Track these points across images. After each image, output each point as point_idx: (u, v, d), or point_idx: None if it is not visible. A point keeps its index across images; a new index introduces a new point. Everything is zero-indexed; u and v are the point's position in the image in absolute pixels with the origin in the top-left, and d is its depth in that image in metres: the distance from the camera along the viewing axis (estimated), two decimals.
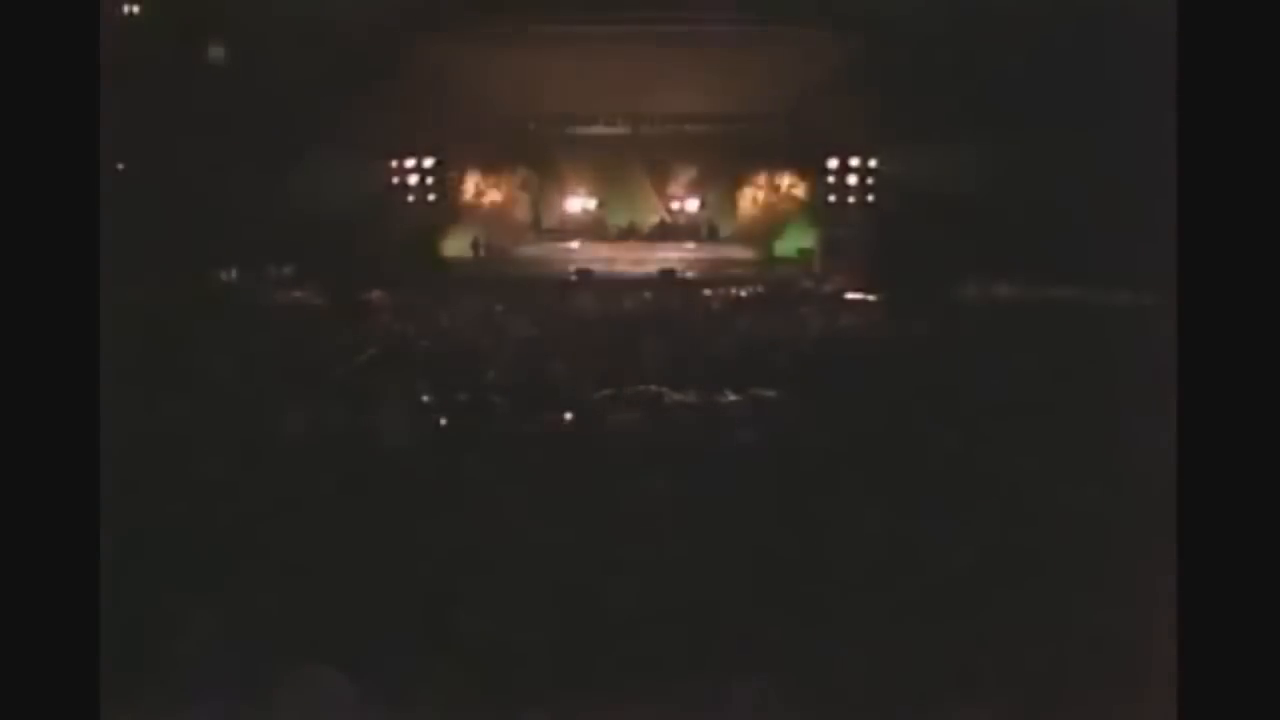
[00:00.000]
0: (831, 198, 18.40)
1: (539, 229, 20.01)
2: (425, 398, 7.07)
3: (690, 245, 18.88)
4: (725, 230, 19.67)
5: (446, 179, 19.01)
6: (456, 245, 18.90)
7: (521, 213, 20.05)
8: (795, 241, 18.22)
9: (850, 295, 14.75)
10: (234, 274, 15.84)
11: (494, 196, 19.98)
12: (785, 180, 19.48)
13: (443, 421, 6.50)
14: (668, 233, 19.63)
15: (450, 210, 18.97)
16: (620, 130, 19.56)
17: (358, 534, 4.14)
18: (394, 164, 18.44)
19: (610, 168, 21.07)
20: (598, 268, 17.68)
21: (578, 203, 20.96)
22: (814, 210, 18.80)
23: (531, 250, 19.15)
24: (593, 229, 19.80)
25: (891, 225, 16.78)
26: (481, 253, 18.64)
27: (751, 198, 19.88)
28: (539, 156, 20.71)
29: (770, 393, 6.92)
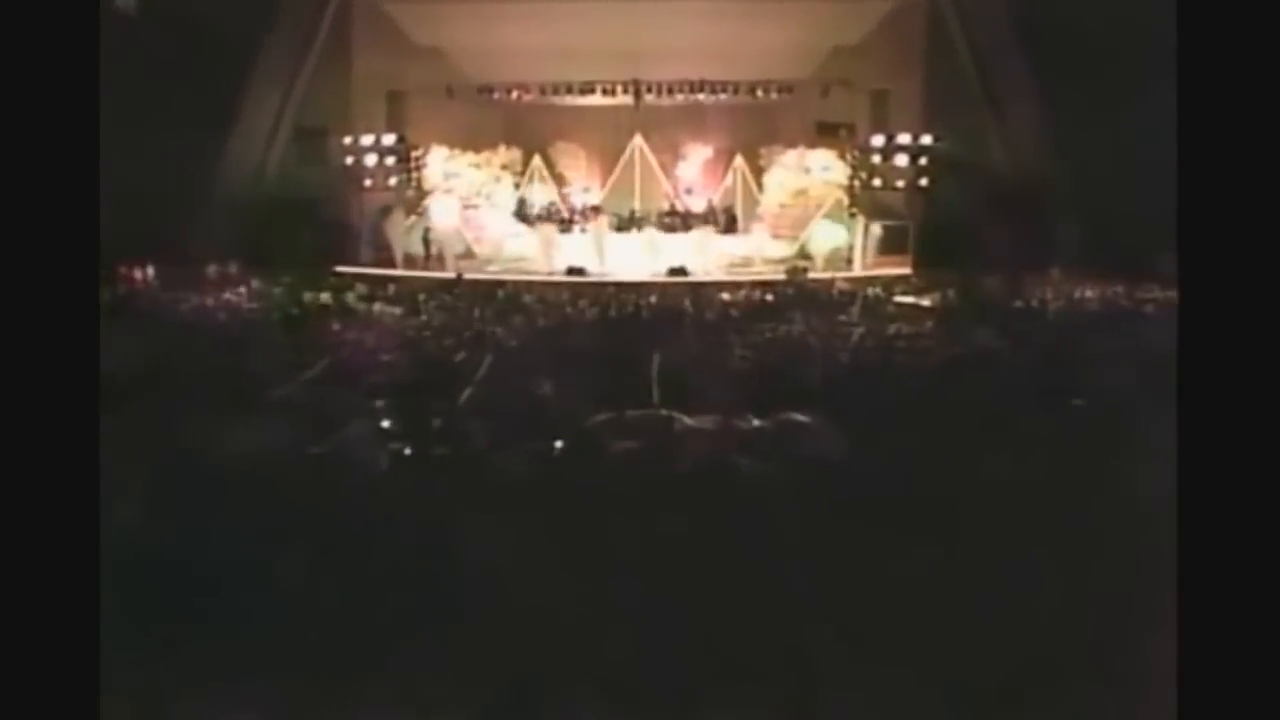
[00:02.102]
0: (876, 182, 18.47)
1: (524, 218, 20.06)
2: (385, 422, 7.04)
3: (705, 238, 18.87)
4: (747, 221, 19.68)
5: (411, 159, 19.15)
6: (419, 237, 19.04)
7: (502, 200, 20.13)
8: (831, 234, 18.24)
9: (899, 299, 14.75)
10: (149, 272, 15.87)
11: (470, 180, 20.07)
12: (819, 161, 19.52)
13: (406, 451, 6.46)
14: (678, 223, 19.64)
15: (416, 197, 19.11)
16: (621, 101, 19.65)
17: (300, 589, 4.09)
18: (346, 141, 18.58)
19: (609, 146, 21.18)
20: (593, 265, 17.71)
21: (570, 188, 21.05)
22: (854, 197, 18.85)
23: (515, 244, 19.20)
24: (588, 219, 19.85)
25: (949, 215, 16.83)
26: (435, 250, 18.74)
27: (778, 182, 19.90)
28: (523, 132, 20.85)
29: (802, 417, 6.87)
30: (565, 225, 19.10)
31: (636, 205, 20.31)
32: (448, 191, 19.46)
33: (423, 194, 19.22)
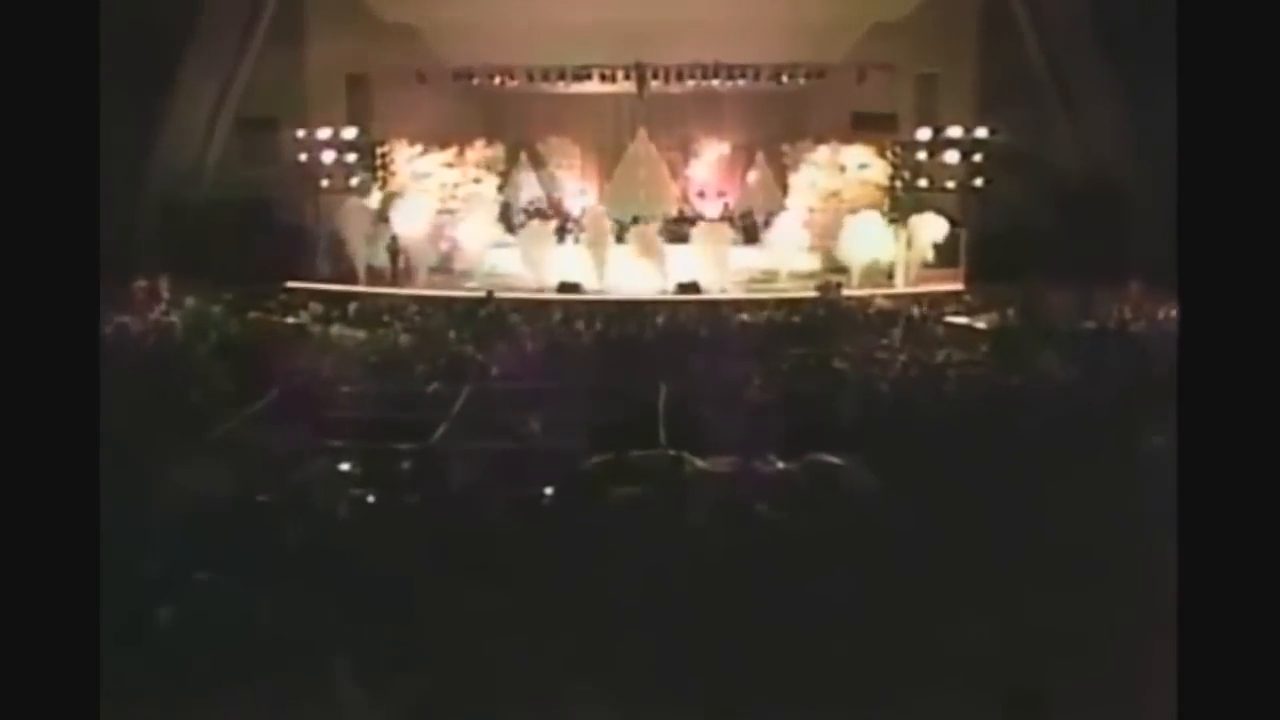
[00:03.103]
0: (922, 182, 18.53)
1: (509, 225, 20.06)
2: (344, 465, 7.09)
3: (720, 249, 18.87)
4: (770, 227, 19.71)
5: (375, 156, 19.25)
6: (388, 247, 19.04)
7: (482, 204, 20.14)
8: (869, 243, 18.13)
9: (949, 320, 14.79)
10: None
11: (444, 180, 20.13)
12: (855, 158, 19.60)
13: (370, 499, 6.51)
14: (689, 231, 19.60)
15: (381, 200, 19.15)
16: (622, 88, 19.78)
17: (254, 656, 4.15)
18: (299, 134, 18.69)
19: (608, 141, 21.29)
20: (590, 280, 17.77)
21: (564, 189, 21.11)
22: (896, 200, 18.90)
23: (498, 256, 19.21)
24: (586, 226, 19.88)
25: (1007, 221, 16.88)
26: (403, 263, 18.72)
27: (807, 183, 19.98)
28: (507, 125, 20.93)
29: (835, 460, 6.89)
30: (559, 236, 19.00)
31: (641, 210, 20.31)
32: (420, 193, 19.46)
33: (389, 196, 19.25)
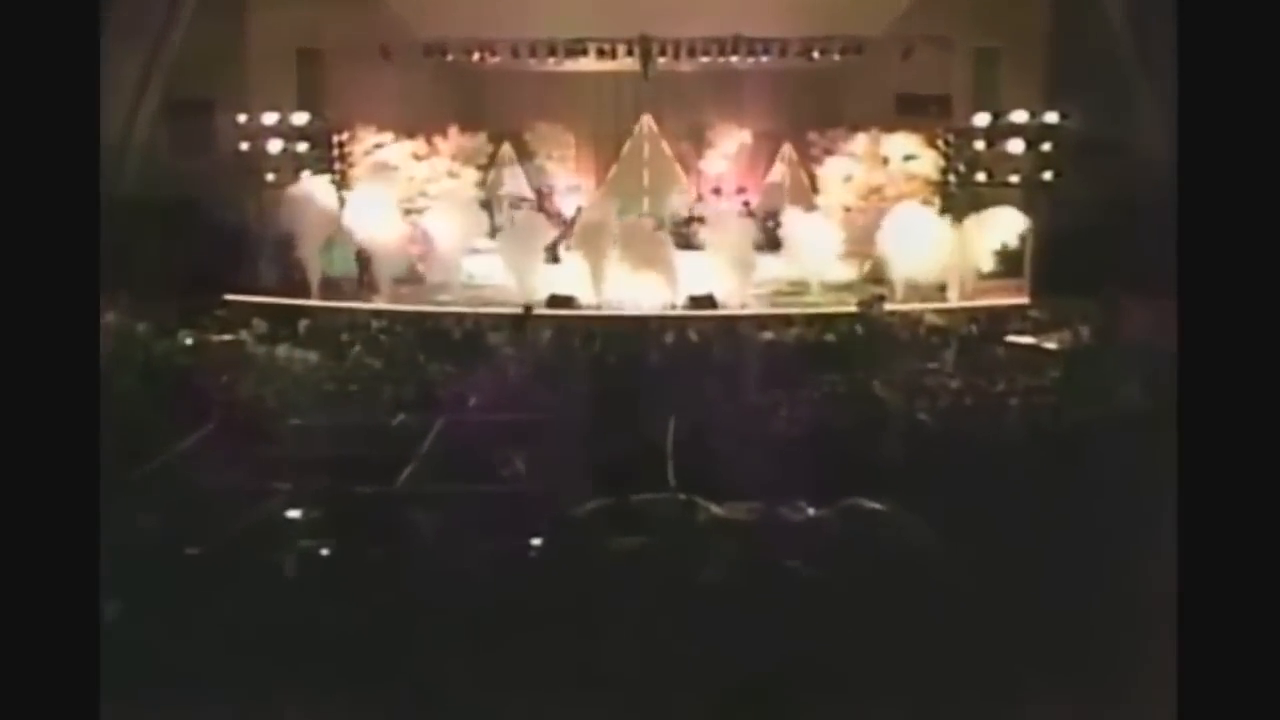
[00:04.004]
0: (980, 176, 18.54)
1: (491, 228, 20.04)
2: (292, 512, 7.11)
3: (740, 255, 18.85)
4: (799, 230, 19.70)
5: (332, 146, 19.29)
6: (346, 254, 19.04)
7: (461, 201, 20.12)
8: (915, 249, 18.09)
9: (1011, 339, 14.80)
10: None
11: (414, 174, 20.16)
12: (900, 148, 19.65)
13: (323, 552, 6.52)
14: (703, 235, 19.60)
15: (340, 197, 19.14)
16: (624, 66, 19.84)
17: None
18: (240, 119, 18.76)
19: (608, 129, 21.32)
20: (586, 294, 17.80)
21: (555, 186, 21.11)
22: (949, 197, 18.92)
23: (476, 264, 19.23)
24: (581, 230, 19.87)
25: (1081, 222, 16.85)
26: (374, 273, 18.66)
27: (842, 177, 20.02)
28: (488, 110, 20.96)
29: (875, 506, 6.89)
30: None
31: (645, 209, 20.37)
32: (384, 190, 19.38)
33: (347, 192, 19.19)
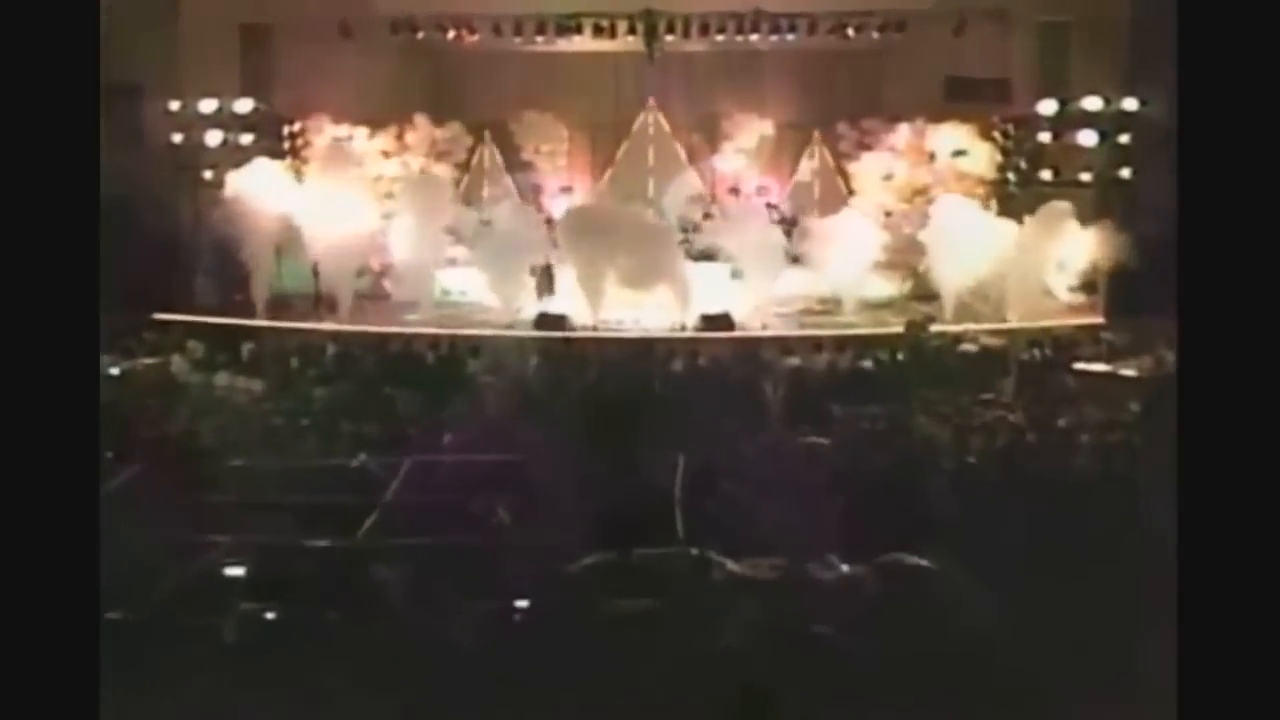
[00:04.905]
0: (1045, 174, 18.54)
1: (470, 235, 20.04)
2: (233, 569, 7.18)
3: (761, 266, 18.82)
4: (828, 238, 19.72)
5: (282, 138, 19.32)
6: (299, 266, 19.05)
7: (433, 204, 20.10)
8: (967, 255, 18.04)
9: (1082, 366, 14.81)
10: None
11: (379, 171, 20.18)
12: (949, 140, 19.70)
13: (268, 616, 6.60)
14: (718, 243, 19.57)
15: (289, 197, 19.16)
16: (626, 46, 19.95)
17: None
18: (173, 106, 18.84)
19: (607, 118, 21.36)
20: (581, 313, 17.85)
21: (547, 185, 21.11)
22: (1007, 200, 18.92)
23: (452, 278, 19.24)
24: (571, 232, 19.90)
25: (1166, 227, 16.84)
26: (331, 288, 18.62)
27: (880, 175, 20.06)
28: (466, 97, 20.99)
29: (920, 562, 6.95)
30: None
31: (650, 212, 20.31)
32: (343, 189, 19.33)
33: (295, 190, 19.06)
